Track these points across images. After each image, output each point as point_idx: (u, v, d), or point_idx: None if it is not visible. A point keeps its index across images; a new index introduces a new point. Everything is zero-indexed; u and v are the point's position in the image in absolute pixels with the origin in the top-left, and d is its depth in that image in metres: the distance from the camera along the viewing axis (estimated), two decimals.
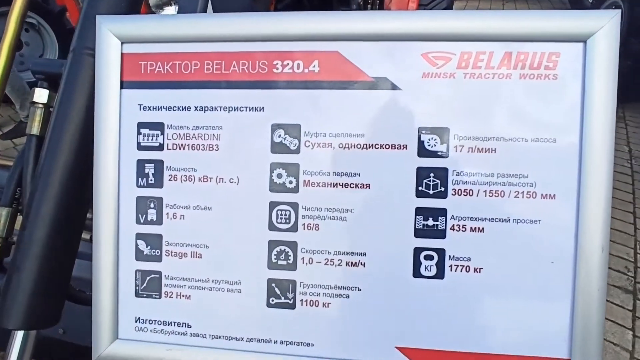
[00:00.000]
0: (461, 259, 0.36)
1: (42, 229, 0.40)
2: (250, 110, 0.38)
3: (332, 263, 0.38)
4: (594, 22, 0.35)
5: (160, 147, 0.39)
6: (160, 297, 0.40)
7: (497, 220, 0.36)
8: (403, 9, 2.79)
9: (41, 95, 0.51)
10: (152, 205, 0.40)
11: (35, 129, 0.50)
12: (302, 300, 0.38)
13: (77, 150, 0.41)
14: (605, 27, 0.34)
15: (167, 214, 0.39)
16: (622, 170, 2.64)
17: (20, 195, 0.53)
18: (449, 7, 3.05)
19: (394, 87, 0.36)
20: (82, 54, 0.43)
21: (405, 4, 2.86)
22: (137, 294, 0.40)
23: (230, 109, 0.38)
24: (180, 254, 0.39)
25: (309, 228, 0.38)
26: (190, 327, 0.39)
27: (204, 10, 0.53)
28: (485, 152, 0.36)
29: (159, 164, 0.39)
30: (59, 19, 3.57)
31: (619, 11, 0.35)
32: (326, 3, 1.91)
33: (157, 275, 0.40)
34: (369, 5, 2.16)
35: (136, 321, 0.40)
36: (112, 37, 0.39)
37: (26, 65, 3.52)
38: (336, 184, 0.37)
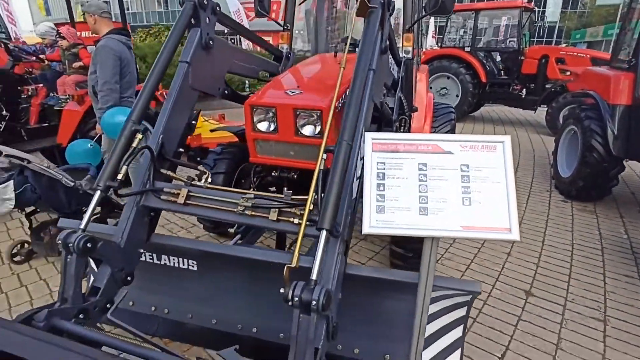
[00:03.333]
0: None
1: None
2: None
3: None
4: (504, 138, 1.32)
5: (384, 169, 1.34)
6: (384, 213, 1.30)
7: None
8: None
9: None
10: (381, 186, 1.32)
11: None
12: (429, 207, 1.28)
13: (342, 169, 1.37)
14: (506, 141, 1.32)
15: (386, 188, 1.32)
16: (594, 246, 3.47)
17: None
18: (452, 129, 4.28)
19: None
20: (343, 142, 1.41)
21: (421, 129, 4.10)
22: (376, 212, 1.30)
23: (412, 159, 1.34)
24: (390, 200, 1.31)
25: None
26: (393, 221, 1.28)
27: None
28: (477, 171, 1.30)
29: (383, 175, 1.33)
30: None
31: (508, 136, 1.32)
32: (305, 176, 2.48)
33: (382, 206, 1.30)
34: None
35: (375, 220, 1.29)
36: (369, 138, 1.38)
37: None
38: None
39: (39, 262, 2.95)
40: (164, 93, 5.02)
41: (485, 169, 1.30)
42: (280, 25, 3.52)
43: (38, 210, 2.88)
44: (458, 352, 1.83)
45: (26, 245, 2.95)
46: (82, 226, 1.60)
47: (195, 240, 2.56)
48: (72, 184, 2.65)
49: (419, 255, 2.77)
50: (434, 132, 4.08)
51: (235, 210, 1.69)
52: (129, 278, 1.77)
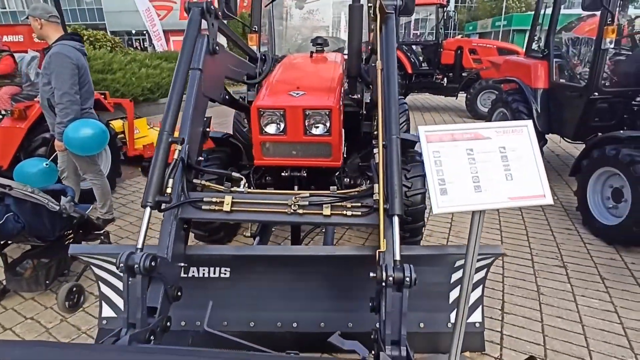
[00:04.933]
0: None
1: None
2: None
3: None
4: (527, 122, 1.61)
5: (439, 157, 1.54)
6: (447, 194, 1.50)
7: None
8: None
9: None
10: (440, 172, 1.52)
11: None
12: None
13: (398, 160, 1.55)
14: (529, 124, 1.61)
15: (444, 173, 1.52)
16: (536, 208, 4.12)
17: None
18: (408, 119, 4.67)
19: None
20: (393, 137, 1.59)
21: None
22: (440, 194, 1.50)
23: None
24: (449, 182, 1.51)
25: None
26: (454, 200, 1.49)
27: None
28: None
29: (440, 162, 1.54)
30: (114, 142, 4.44)
31: (529, 121, 1.61)
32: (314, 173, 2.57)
33: (444, 188, 1.50)
34: None
35: (441, 201, 1.49)
36: (422, 132, 1.57)
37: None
38: None
39: (14, 300, 2.61)
40: (112, 102, 4.64)
41: (517, 149, 1.58)
42: (248, 27, 3.52)
43: (9, 243, 2.56)
44: (479, 310, 2.13)
45: None
46: (139, 245, 1.54)
47: (235, 247, 2.45)
48: (58, 207, 2.41)
49: (415, 235, 3.06)
50: None
51: (287, 211, 1.76)
52: (179, 293, 1.74)
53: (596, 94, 3.85)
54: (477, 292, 2.13)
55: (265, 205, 1.80)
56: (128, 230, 3.69)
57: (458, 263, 2.04)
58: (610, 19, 3.57)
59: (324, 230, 2.75)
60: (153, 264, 1.48)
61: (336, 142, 2.40)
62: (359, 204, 1.75)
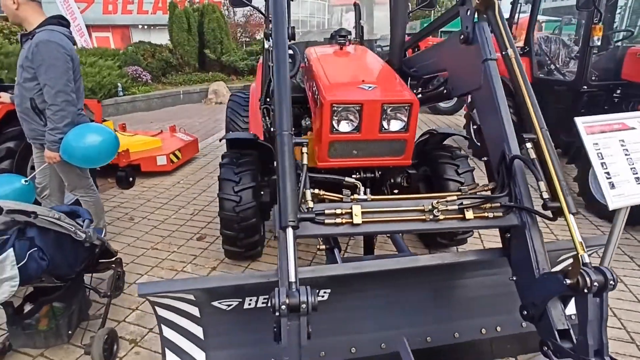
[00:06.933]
0: None
1: None
2: None
3: None
4: None
5: (599, 149, 1.46)
6: (615, 188, 1.42)
7: None
8: None
9: None
10: (604, 165, 1.44)
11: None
12: None
13: (555, 155, 1.45)
14: None
15: (608, 166, 1.44)
16: None
17: None
18: None
19: None
20: (543, 130, 1.48)
21: None
22: (610, 189, 1.41)
23: None
24: (614, 175, 1.44)
25: None
26: (623, 194, 1.42)
27: None
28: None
29: (601, 154, 1.45)
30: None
31: None
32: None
33: (612, 182, 1.42)
34: None
35: (612, 196, 1.40)
36: (580, 123, 1.47)
37: None
38: None
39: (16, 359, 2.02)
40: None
41: None
42: (264, 15, 3.18)
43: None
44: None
45: None
46: (292, 279, 1.21)
47: (341, 265, 2.07)
48: (84, 235, 1.90)
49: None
50: None
51: (424, 217, 1.56)
52: (310, 329, 1.43)
53: (585, 87, 4.17)
54: None
55: (396, 213, 1.58)
56: (129, 254, 3.12)
57: (561, 257, 2.00)
58: (597, 19, 3.88)
59: (388, 236, 2.56)
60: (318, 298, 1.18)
61: (412, 138, 2.24)
62: (499, 204, 1.61)
